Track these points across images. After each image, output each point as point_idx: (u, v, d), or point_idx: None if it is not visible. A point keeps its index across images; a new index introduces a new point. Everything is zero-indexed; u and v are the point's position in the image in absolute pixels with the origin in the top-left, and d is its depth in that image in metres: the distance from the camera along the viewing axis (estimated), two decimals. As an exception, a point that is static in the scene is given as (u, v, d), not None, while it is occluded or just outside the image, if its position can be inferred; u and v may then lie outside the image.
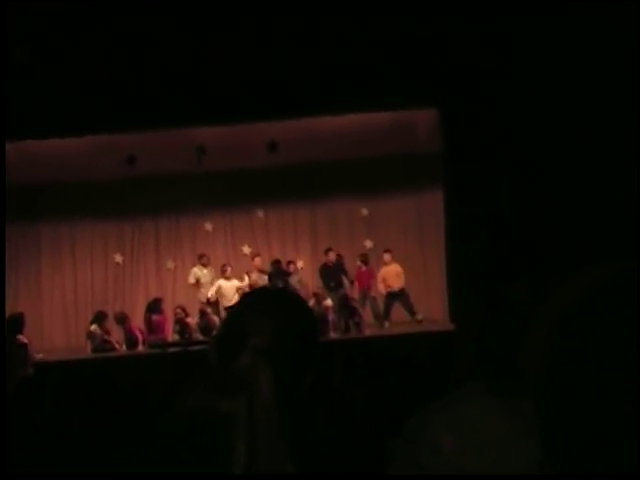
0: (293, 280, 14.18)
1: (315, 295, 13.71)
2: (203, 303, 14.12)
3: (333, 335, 13.38)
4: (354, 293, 14.32)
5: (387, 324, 14.17)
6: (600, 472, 0.62)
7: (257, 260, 14.60)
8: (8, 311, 12.13)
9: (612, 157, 7.98)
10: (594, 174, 8.05)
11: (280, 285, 12.95)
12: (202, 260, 14.66)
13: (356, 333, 13.48)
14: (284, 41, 9.26)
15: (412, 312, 14.23)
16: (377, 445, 2.43)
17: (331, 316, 13.73)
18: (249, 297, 1.70)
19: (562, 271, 1.18)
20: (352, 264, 14.90)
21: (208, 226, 16.37)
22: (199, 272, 14.49)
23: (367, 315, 14.36)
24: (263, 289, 1.47)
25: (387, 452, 1.32)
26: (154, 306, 14.03)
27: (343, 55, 9.27)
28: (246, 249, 16.19)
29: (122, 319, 13.89)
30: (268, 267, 14.42)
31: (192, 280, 14.51)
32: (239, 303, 1.64)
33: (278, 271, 14.02)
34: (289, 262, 14.78)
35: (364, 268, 14.64)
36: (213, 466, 1.34)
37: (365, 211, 16.27)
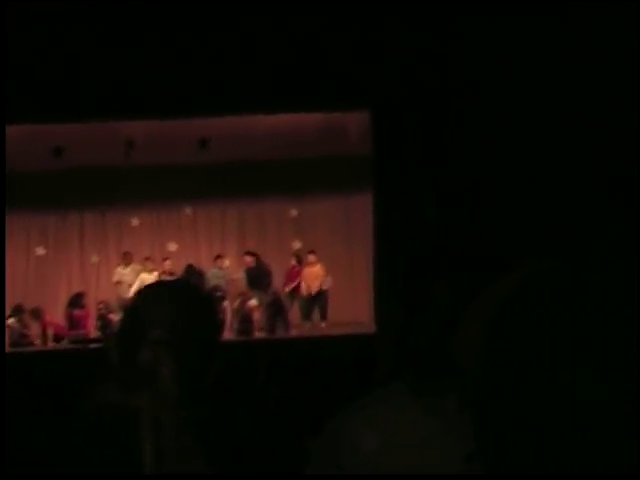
0: (218, 277, 14.13)
1: (241, 295, 13.70)
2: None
3: (258, 335, 13.38)
4: (283, 292, 14.35)
5: (309, 325, 14.25)
6: (533, 467, 0.62)
7: (167, 263, 14.42)
8: None
9: (534, 163, 8.14)
10: (516, 180, 8.21)
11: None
12: (125, 259, 14.50)
13: (282, 333, 13.49)
14: (216, 37, 9.19)
15: (324, 316, 14.32)
16: (299, 445, 2.43)
17: (256, 316, 13.73)
18: (147, 289, 1.65)
19: (482, 272, 1.18)
20: (280, 264, 14.92)
21: (135, 221, 16.17)
22: (121, 271, 14.32)
23: (296, 314, 14.41)
24: (161, 281, 1.46)
25: (307, 452, 1.31)
26: (76, 301, 13.82)
27: (277, 54, 9.25)
28: (172, 246, 16.05)
29: (37, 314, 13.61)
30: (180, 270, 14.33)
31: (115, 279, 14.34)
32: (138, 296, 1.60)
33: (191, 274, 13.88)
34: (218, 256, 14.71)
35: (297, 267, 14.68)
36: (126, 462, 1.31)
37: (294, 212, 16.29)
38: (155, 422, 1.31)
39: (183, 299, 1.54)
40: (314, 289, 14.32)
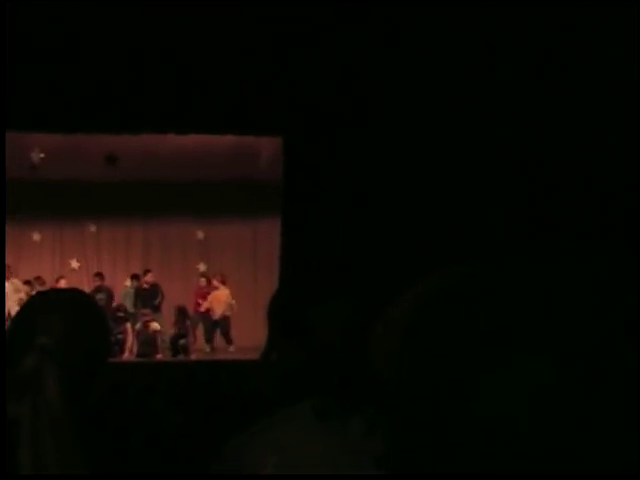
0: (129, 296, 13.92)
1: (142, 316, 13.52)
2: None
3: (159, 357, 13.23)
4: (194, 313, 14.25)
5: (209, 349, 14.16)
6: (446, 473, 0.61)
7: (62, 282, 13.82)
8: None
9: (447, 179, 8.33)
10: (430, 202, 8.37)
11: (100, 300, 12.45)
12: (7, 272, 13.75)
13: (183, 356, 13.36)
14: (129, 53, 9.10)
15: (229, 340, 14.26)
16: (198, 468, 2.40)
17: (158, 339, 13.58)
18: (38, 296, 1.63)
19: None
20: (185, 285, 14.83)
21: (36, 236, 15.80)
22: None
23: (198, 338, 14.33)
24: (53, 290, 1.44)
25: (208, 473, 1.29)
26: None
27: (191, 74, 9.21)
28: (74, 263, 15.73)
29: None
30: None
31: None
32: (28, 302, 1.57)
33: (100, 290, 13.56)
34: (133, 275, 14.43)
35: (205, 287, 14.58)
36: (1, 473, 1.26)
37: (201, 234, 16.20)
38: (34, 433, 1.27)
39: (72, 309, 1.51)
40: (218, 313, 14.24)
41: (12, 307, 12.22)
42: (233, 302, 14.44)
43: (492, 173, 8.11)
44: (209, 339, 14.42)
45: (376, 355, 0.96)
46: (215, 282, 14.52)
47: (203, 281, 14.74)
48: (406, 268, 6.61)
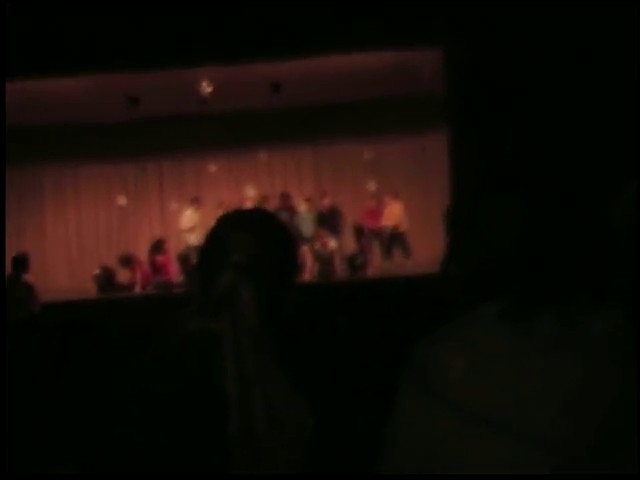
0: (304, 220, 14.18)
1: (320, 237, 13.74)
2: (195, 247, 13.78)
3: (338, 276, 13.48)
4: (363, 232, 14.34)
5: (386, 265, 14.24)
6: None
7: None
8: (12, 251, 12.17)
9: (606, 95, 7.97)
10: (592, 110, 8.05)
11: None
12: (193, 203, 14.43)
13: (361, 274, 13.54)
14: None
15: (407, 254, 14.27)
16: (383, 377, 2.43)
17: (336, 258, 13.83)
18: (227, 216, 1.66)
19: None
20: (356, 205, 14.96)
21: (212, 167, 16.31)
22: (190, 215, 14.33)
23: (374, 255, 14.46)
24: (241, 210, 1.43)
25: (397, 381, 1.30)
26: (157, 247, 14.05)
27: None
28: (250, 191, 16.15)
29: (127, 260, 13.91)
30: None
31: (184, 224, 14.24)
32: (219, 222, 1.60)
33: (283, 210, 13.83)
34: (307, 199, 14.68)
35: (373, 207, 14.67)
36: (210, 384, 1.36)
37: (369, 153, 16.19)
38: (236, 344, 1.36)
39: (262, 227, 1.55)
40: (394, 228, 14.28)
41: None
42: (406, 218, 14.43)
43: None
44: (385, 255, 14.53)
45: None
46: (388, 198, 14.51)
47: (374, 199, 14.78)
48: (575, 163, 6.43)
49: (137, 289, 13.38)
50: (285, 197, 14.52)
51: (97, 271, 13.77)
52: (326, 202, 14.39)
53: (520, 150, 8.44)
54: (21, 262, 9.55)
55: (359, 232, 14.24)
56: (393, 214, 14.38)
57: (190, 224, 14.03)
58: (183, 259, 13.74)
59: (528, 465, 1.05)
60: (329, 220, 14.12)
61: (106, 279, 13.58)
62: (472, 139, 9.39)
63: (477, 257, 1.34)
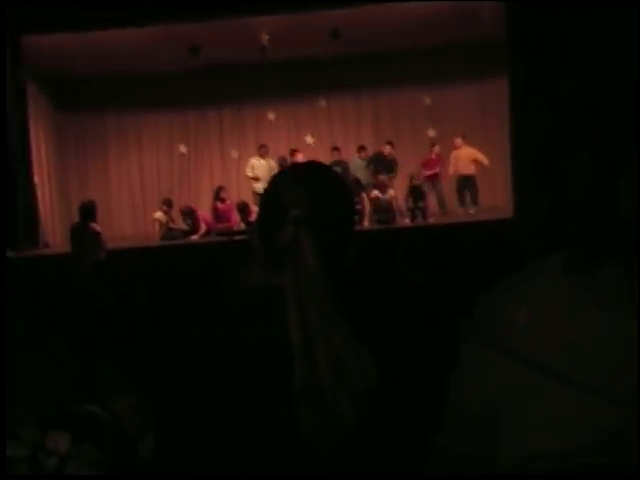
0: (360, 168, 14.20)
1: (380, 184, 13.71)
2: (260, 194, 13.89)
3: (398, 223, 13.47)
4: (420, 180, 14.27)
5: (473, 209, 14.23)
6: None
7: (299, 157, 14.07)
8: (78, 199, 12.41)
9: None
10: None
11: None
12: (260, 151, 14.54)
13: (421, 220, 13.52)
14: None
15: (475, 201, 14.20)
16: (446, 324, 2.45)
17: (395, 205, 13.82)
18: (283, 171, 1.70)
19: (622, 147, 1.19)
20: (415, 152, 14.92)
21: (271, 115, 16.35)
22: (256, 162, 14.47)
23: (432, 203, 14.42)
24: (297, 164, 1.42)
25: (461, 329, 1.28)
26: (218, 195, 14.13)
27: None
28: (309, 139, 16.16)
29: (189, 213, 14.03)
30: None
31: (249, 172, 14.47)
32: (274, 178, 1.63)
33: (336, 163, 13.84)
34: (360, 147, 14.77)
35: (434, 155, 14.60)
36: (274, 338, 1.41)
37: (428, 100, 16.05)
38: (298, 296, 1.40)
39: (318, 180, 1.57)
40: (467, 171, 14.21)
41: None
42: (482, 157, 14.29)
43: None
44: (443, 203, 14.50)
45: (624, 200, 0.98)
46: (457, 142, 14.38)
47: (436, 148, 14.69)
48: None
49: (197, 237, 13.53)
50: (337, 150, 14.55)
51: (158, 215, 13.98)
52: (386, 150, 14.37)
53: (586, 102, 8.30)
54: (89, 210, 9.60)
55: (415, 179, 14.14)
56: (461, 158, 14.27)
57: (257, 172, 14.14)
58: (242, 208, 13.84)
59: (592, 416, 1.07)
60: (386, 166, 14.10)
61: (166, 226, 13.79)
62: (534, 85, 9.27)
63: (547, 205, 1.33)
